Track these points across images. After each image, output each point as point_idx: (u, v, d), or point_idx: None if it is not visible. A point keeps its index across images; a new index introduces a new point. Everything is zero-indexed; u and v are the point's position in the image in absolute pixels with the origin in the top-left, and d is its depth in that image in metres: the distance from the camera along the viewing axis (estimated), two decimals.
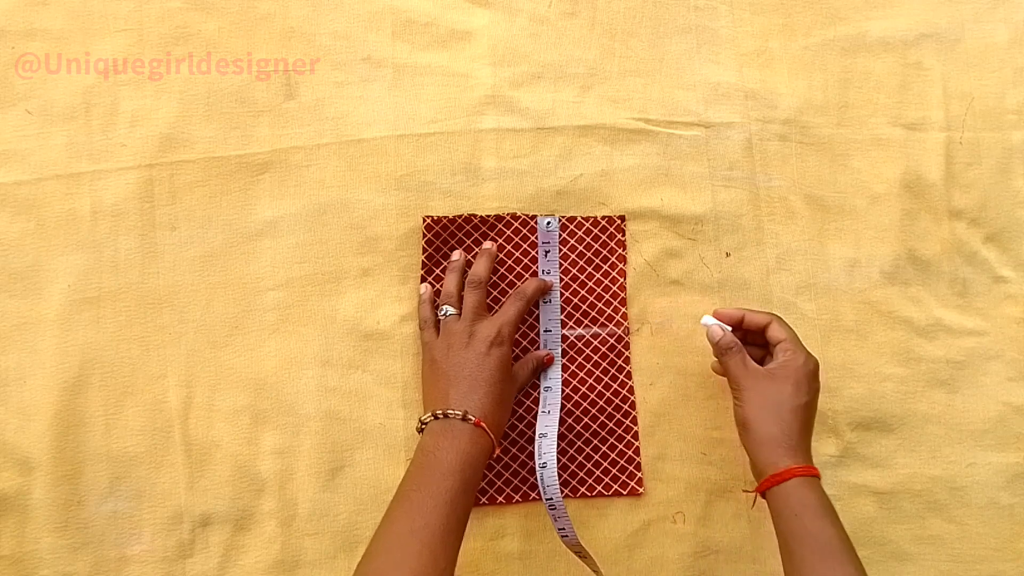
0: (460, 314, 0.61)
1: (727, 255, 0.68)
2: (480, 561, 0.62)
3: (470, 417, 0.55)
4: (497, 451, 0.57)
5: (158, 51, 0.67)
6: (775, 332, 0.59)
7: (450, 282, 0.63)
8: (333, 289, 0.65)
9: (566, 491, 0.64)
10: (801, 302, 0.68)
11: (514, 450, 0.64)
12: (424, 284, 0.64)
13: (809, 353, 0.59)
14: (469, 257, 0.65)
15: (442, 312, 0.62)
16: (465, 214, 0.66)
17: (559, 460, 0.64)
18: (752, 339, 0.61)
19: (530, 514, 0.63)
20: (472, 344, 0.59)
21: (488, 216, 0.66)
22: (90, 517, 0.60)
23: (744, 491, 0.64)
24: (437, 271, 0.65)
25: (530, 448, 0.64)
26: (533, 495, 0.63)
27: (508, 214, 0.67)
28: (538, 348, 0.65)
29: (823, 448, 0.66)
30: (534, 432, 0.63)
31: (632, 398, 0.65)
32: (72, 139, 0.65)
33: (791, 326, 0.60)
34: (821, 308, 0.68)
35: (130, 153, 0.65)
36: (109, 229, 0.64)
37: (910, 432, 0.67)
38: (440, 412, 0.56)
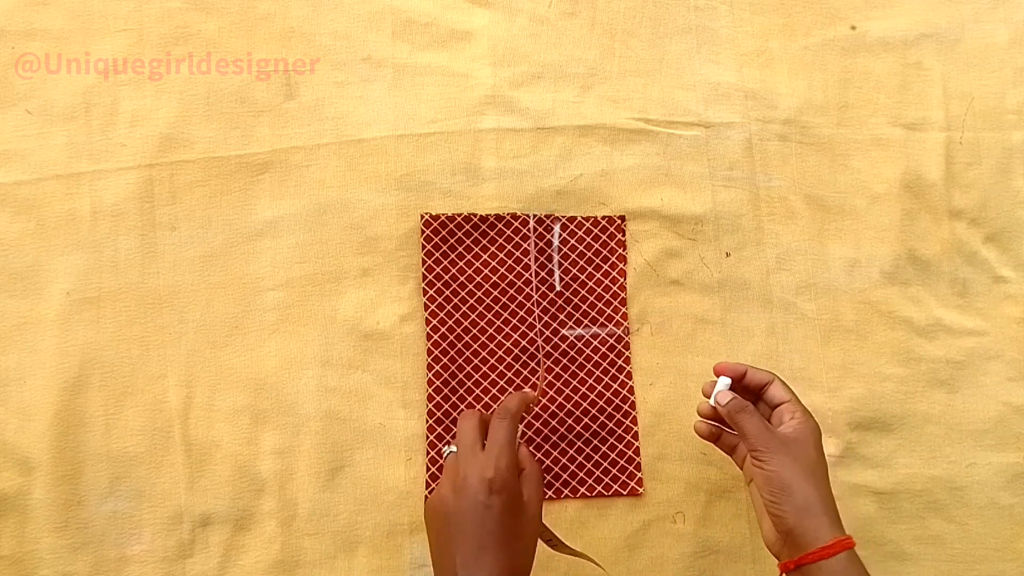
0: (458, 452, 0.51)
1: (727, 255, 0.68)
2: None
3: None
4: None
5: (158, 51, 0.67)
6: (779, 392, 0.56)
7: (464, 425, 0.53)
8: (333, 289, 0.65)
9: (566, 491, 0.64)
10: (801, 302, 0.68)
11: None
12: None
13: (814, 419, 0.56)
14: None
15: (446, 452, 0.53)
16: (464, 213, 0.66)
17: (559, 460, 0.64)
18: (740, 393, 0.57)
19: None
20: (470, 492, 0.48)
21: (488, 215, 0.66)
22: (90, 517, 0.60)
23: (781, 565, 0.56)
24: (438, 269, 0.65)
25: (530, 448, 0.64)
26: None
27: (508, 214, 0.67)
28: (533, 354, 0.65)
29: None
30: (535, 431, 0.64)
31: (632, 398, 0.65)
32: (72, 139, 0.65)
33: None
34: (821, 308, 0.68)
35: (130, 153, 0.65)
36: (109, 229, 0.64)
37: (910, 432, 0.67)
38: None
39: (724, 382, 0.57)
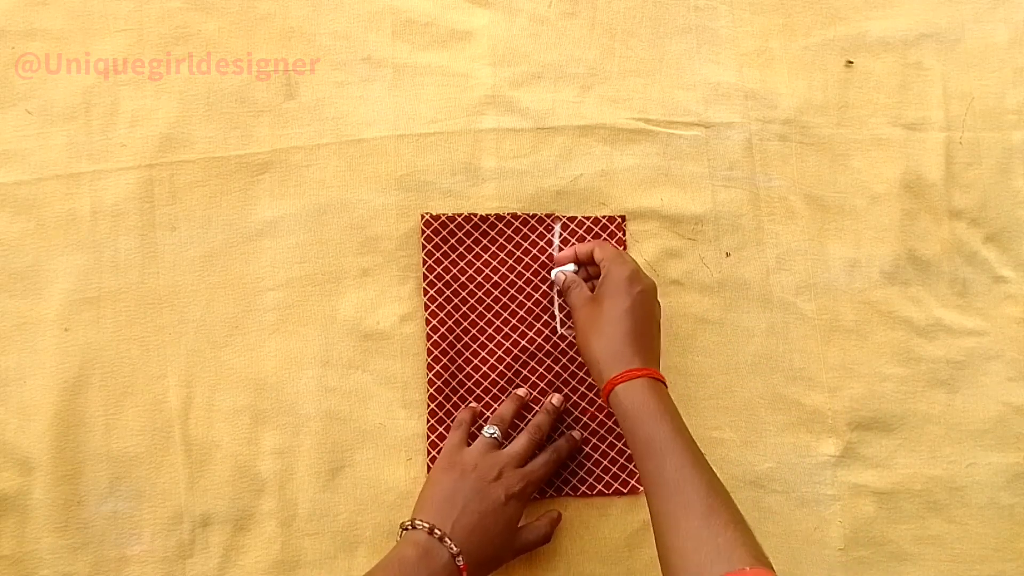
0: (501, 443, 0.60)
1: (727, 255, 0.68)
2: None
3: (459, 562, 0.53)
4: None
5: (158, 51, 0.67)
6: (597, 254, 0.61)
7: (508, 408, 0.62)
8: (333, 289, 0.65)
9: (566, 490, 0.64)
10: (801, 302, 0.68)
11: None
12: (526, 389, 0.64)
13: (626, 261, 0.60)
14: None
15: (489, 431, 0.60)
16: (465, 213, 0.66)
17: None
18: (597, 272, 0.63)
19: (530, 514, 0.63)
20: (498, 484, 0.56)
21: (488, 215, 0.66)
22: (90, 517, 0.60)
23: (595, 408, 0.65)
24: (438, 269, 0.65)
25: None
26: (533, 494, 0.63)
27: (508, 214, 0.67)
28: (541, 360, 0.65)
29: (823, 448, 0.66)
30: None
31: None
32: (72, 139, 0.65)
33: (619, 247, 0.63)
34: (821, 308, 0.68)
35: (130, 153, 0.65)
36: (109, 229, 0.64)
37: (910, 432, 0.67)
38: (438, 532, 0.53)
39: (555, 271, 0.64)
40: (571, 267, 0.64)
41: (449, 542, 0.53)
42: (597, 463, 0.64)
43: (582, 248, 0.64)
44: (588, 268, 0.65)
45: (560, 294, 0.65)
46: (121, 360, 0.62)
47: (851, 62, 0.72)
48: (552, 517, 0.61)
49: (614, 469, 0.64)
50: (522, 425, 0.63)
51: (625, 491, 0.64)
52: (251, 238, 0.65)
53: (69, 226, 0.64)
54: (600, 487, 0.64)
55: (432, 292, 0.65)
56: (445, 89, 0.68)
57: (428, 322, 0.65)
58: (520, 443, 0.60)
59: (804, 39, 0.72)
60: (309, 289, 0.65)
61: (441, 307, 0.65)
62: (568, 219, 0.67)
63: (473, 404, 0.63)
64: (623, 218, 0.68)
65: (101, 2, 0.67)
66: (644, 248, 0.68)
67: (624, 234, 0.68)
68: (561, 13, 0.70)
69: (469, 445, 0.60)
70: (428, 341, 0.64)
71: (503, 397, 0.64)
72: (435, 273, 0.65)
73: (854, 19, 0.73)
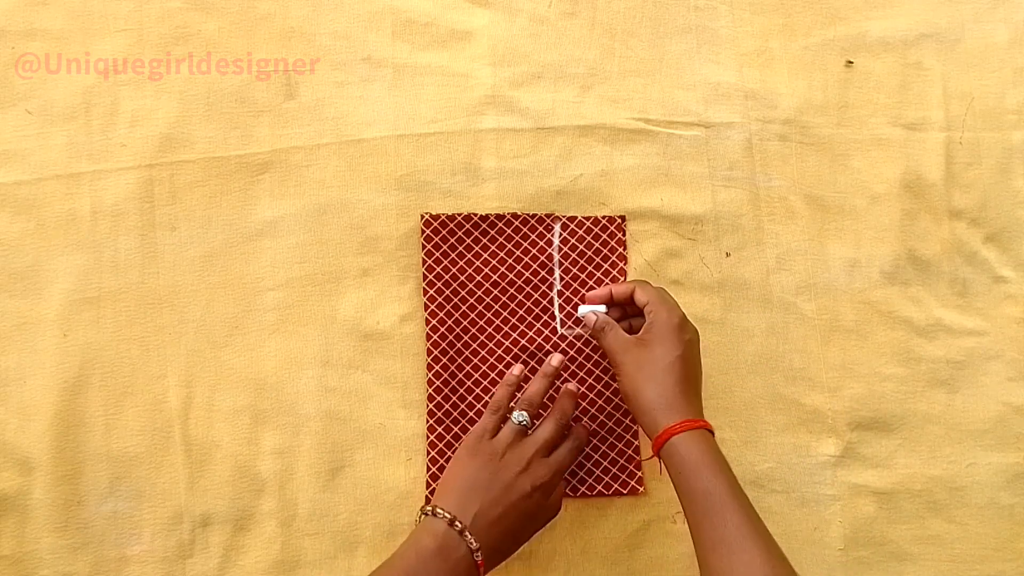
0: (530, 429, 0.59)
1: (727, 255, 0.68)
2: None
3: (478, 557, 0.52)
4: None
5: (158, 51, 0.67)
6: (640, 296, 0.60)
7: (537, 391, 0.60)
8: (333, 289, 0.65)
9: (566, 490, 0.63)
10: (801, 302, 0.68)
11: None
12: (520, 367, 0.63)
13: (673, 306, 0.59)
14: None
15: (518, 418, 0.58)
16: (465, 212, 0.66)
17: None
18: (634, 312, 0.62)
19: None
20: (525, 475, 0.55)
21: (488, 215, 0.66)
22: (90, 517, 0.60)
23: (642, 460, 0.64)
24: (438, 269, 0.65)
25: None
26: None
27: (508, 214, 0.67)
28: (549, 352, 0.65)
29: (823, 448, 0.66)
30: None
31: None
32: (72, 139, 0.65)
33: (663, 288, 0.61)
34: (821, 308, 0.68)
35: (130, 153, 0.65)
36: (109, 229, 0.64)
37: (910, 432, 0.67)
38: (459, 524, 0.52)
39: (584, 308, 0.63)
40: (601, 308, 0.62)
41: (469, 536, 0.52)
42: (597, 463, 0.64)
43: (620, 289, 0.62)
44: (626, 307, 0.63)
45: (592, 335, 0.62)
46: (121, 360, 0.62)
47: (851, 62, 0.72)
48: (560, 488, 0.60)
49: (614, 470, 0.64)
50: (545, 414, 0.61)
51: (625, 491, 0.64)
52: (251, 238, 0.65)
53: (69, 226, 0.64)
54: (600, 487, 0.64)
55: (432, 292, 0.65)
56: (445, 89, 0.68)
57: (428, 322, 0.65)
58: (547, 431, 0.58)
59: (804, 39, 0.72)
60: (309, 289, 0.65)
61: (441, 307, 0.65)
62: (568, 219, 0.67)
63: (510, 383, 0.61)
64: (623, 218, 0.68)
65: (101, 2, 0.67)
66: (644, 248, 0.68)
67: (624, 234, 0.68)
68: (561, 13, 0.70)
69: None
70: (428, 341, 0.64)
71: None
72: (435, 273, 0.65)
73: (854, 19, 0.73)
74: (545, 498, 0.56)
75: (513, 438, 0.57)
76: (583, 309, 0.63)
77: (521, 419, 0.58)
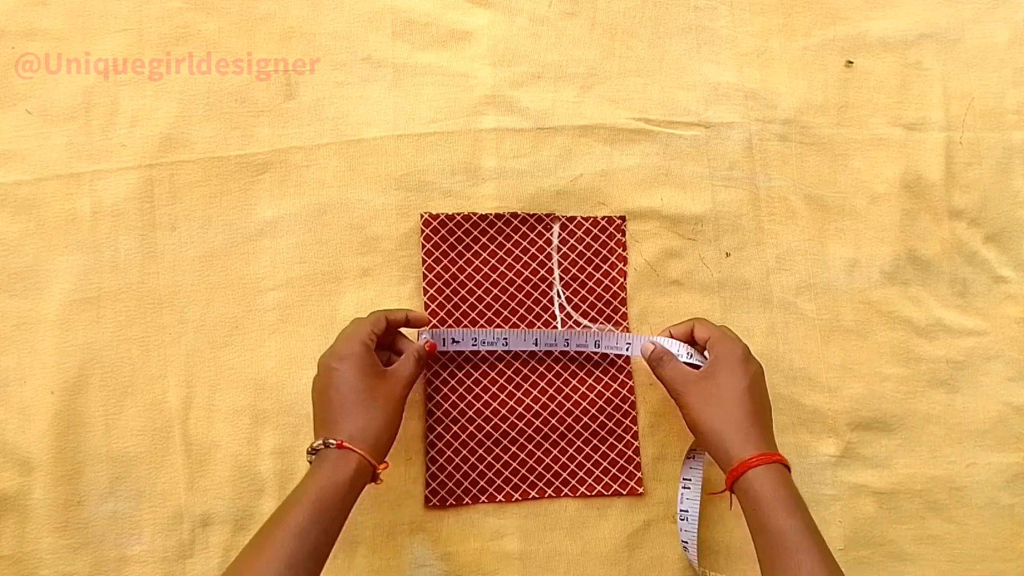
0: None
1: (727, 255, 0.68)
2: (480, 561, 0.62)
3: (331, 441, 0.52)
4: (382, 468, 0.53)
5: (158, 51, 0.67)
6: (700, 332, 0.59)
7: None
8: (333, 289, 0.65)
9: (565, 490, 0.64)
10: (801, 302, 0.68)
11: (514, 448, 0.64)
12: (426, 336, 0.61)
13: (736, 339, 0.58)
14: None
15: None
16: (465, 212, 0.66)
17: (559, 460, 0.64)
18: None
19: (530, 514, 0.63)
20: (324, 365, 0.56)
21: (487, 215, 0.66)
22: (90, 517, 0.60)
23: (710, 493, 0.63)
24: (438, 268, 0.65)
25: (530, 447, 0.64)
26: (533, 493, 0.63)
27: (508, 213, 0.67)
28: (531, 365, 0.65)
29: (823, 448, 0.66)
30: (534, 430, 0.64)
31: (632, 398, 0.65)
32: (72, 139, 0.65)
33: (725, 326, 0.60)
34: (821, 308, 0.68)
35: (130, 153, 0.65)
36: (109, 229, 0.64)
37: (910, 432, 0.67)
38: (310, 449, 0.53)
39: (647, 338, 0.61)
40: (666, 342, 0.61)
41: (317, 441, 0.52)
42: (597, 464, 0.64)
43: (678, 329, 0.61)
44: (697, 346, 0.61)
45: (649, 364, 0.60)
46: (121, 360, 0.62)
47: (851, 62, 0.72)
48: (416, 349, 0.59)
49: (614, 470, 0.64)
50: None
51: (624, 492, 0.64)
52: (251, 238, 0.65)
53: (69, 226, 0.64)
54: (600, 488, 0.64)
55: (432, 292, 0.65)
56: (445, 89, 0.68)
57: (428, 321, 0.65)
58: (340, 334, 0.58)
59: (804, 39, 0.72)
60: (309, 289, 0.65)
61: (441, 306, 0.65)
62: (568, 219, 0.67)
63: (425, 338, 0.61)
64: (623, 218, 0.68)
65: (101, 2, 0.67)
66: (644, 248, 0.68)
67: (624, 234, 0.68)
68: (561, 13, 0.70)
69: None
70: None
71: (502, 396, 0.64)
72: (435, 273, 0.65)
73: (854, 19, 0.73)
74: (350, 365, 0.55)
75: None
76: (644, 340, 0.61)
77: None
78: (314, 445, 0.53)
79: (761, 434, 0.54)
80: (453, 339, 0.62)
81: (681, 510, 0.62)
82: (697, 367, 0.59)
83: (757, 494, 0.52)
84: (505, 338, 0.63)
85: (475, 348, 0.64)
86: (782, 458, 0.53)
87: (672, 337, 0.61)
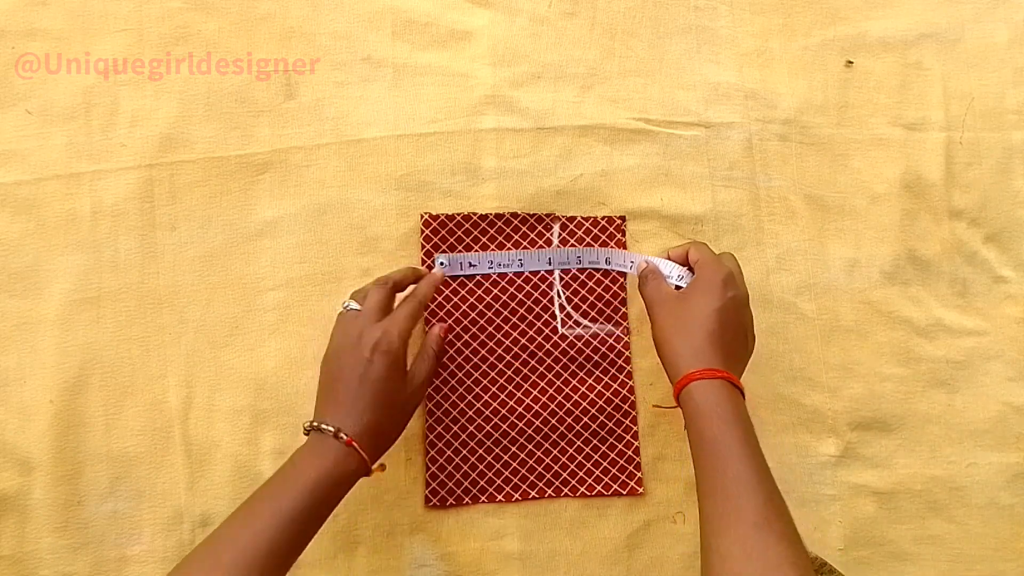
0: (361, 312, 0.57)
1: None
2: (480, 561, 0.62)
3: (343, 435, 0.51)
4: (376, 469, 0.54)
5: (158, 51, 0.67)
6: (693, 255, 0.60)
7: (372, 282, 0.59)
8: (333, 289, 0.65)
9: (565, 490, 0.64)
10: (801, 302, 0.68)
11: (514, 448, 0.64)
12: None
13: (721, 264, 0.58)
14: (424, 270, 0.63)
15: (344, 305, 0.57)
16: (465, 212, 0.66)
17: (559, 459, 0.64)
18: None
19: (530, 514, 0.63)
20: (358, 348, 0.54)
21: (487, 214, 0.66)
22: (90, 517, 0.60)
23: (655, 406, 0.63)
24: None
25: (530, 447, 0.64)
26: (533, 493, 0.63)
27: (508, 213, 0.67)
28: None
29: (823, 448, 0.66)
30: (534, 430, 0.64)
31: (632, 398, 0.65)
32: (72, 139, 0.65)
33: (728, 253, 0.61)
34: (821, 308, 0.68)
35: (130, 153, 0.65)
36: (109, 229, 0.64)
37: (910, 432, 0.67)
38: (316, 423, 0.52)
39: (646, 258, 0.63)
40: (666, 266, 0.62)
41: (327, 426, 0.52)
42: (597, 464, 0.64)
43: (676, 251, 0.61)
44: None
45: (639, 284, 0.61)
46: (121, 360, 0.62)
47: (851, 62, 0.72)
48: (433, 337, 0.61)
49: (613, 470, 0.64)
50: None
51: (624, 492, 0.64)
52: (251, 238, 0.65)
53: (69, 226, 0.64)
54: (600, 488, 0.64)
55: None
56: (445, 89, 0.68)
57: (428, 322, 0.65)
58: (371, 299, 0.56)
59: (804, 39, 0.72)
60: (309, 289, 0.65)
61: (440, 306, 0.65)
62: (568, 219, 0.67)
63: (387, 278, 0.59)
64: (623, 218, 0.68)
65: (101, 2, 0.67)
66: (644, 248, 0.68)
67: (624, 234, 0.68)
68: (561, 13, 0.70)
69: None
70: None
71: (502, 396, 0.64)
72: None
73: (854, 19, 0.73)
74: (388, 358, 0.54)
75: (343, 327, 0.56)
76: (638, 258, 0.63)
77: (347, 305, 0.57)
78: (322, 426, 0.52)
79: (718, 353, 0.54)
80: (470, 263, 0.64)
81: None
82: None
83: (696, 405, 0.51)
84: (520, 259, 0.65)
85: (491, 271, 0.65)
86: (733, 377, 0.53)
87: (669, 256, 0.62)
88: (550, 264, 0.65)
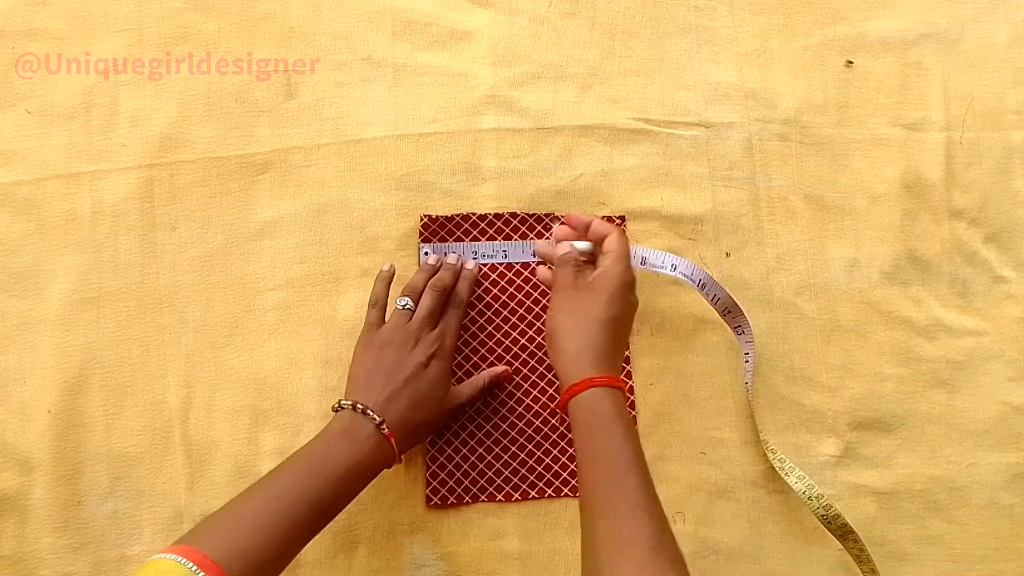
0: (414, 313, 0.60)
1: (727, 255, 0.68)
2: (480, 561, 0.62)
3: (384, 429, 0.54)
4: (395, 465, 0.56)
5: (158, 51, 0.67)
6: (608, 244, 0.58)
7: (419, 278, 0.62)
8: (333, 289, 0.65)
9: (566, 490, 0.64)
10: (801, 302, 0.68)
11: (514, 448, 0.64)
12: (390, 263, 0.64)
13: (629, 267, 0.58)
14: (445, 260, 0.65)
15: (400, 303, 0.60)
16: (464, 212, 0.66)
17: (559, 459, 0.64)
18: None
19: (530, 514, 0.63)
20: (416, 350, 0.58)
21: (487, 214, 0.66)
22: (90, 517, 0.60)
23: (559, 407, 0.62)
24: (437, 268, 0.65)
25: (529, 446, 0.64)
26: (533, 493, 0.63)
27: (507, 213, 0.67)
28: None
29: (823, 448, 0.66)
30: (534, 430, 0.64)
31: (632, 398, 0.65)
32: (72, 139, 0.65)
33: (624, 238, 0.59)
34: (821, 308, 0.68)
35: (130, 153, 0.65)
36: (109, 229, 0.64)
37: (910, 432, 0.67)
38: (360, 406, 0.54)
39: (565, 231, 0.62)
40: (582, 245, 0.60)
41: (372, 413, 0.54)
42: None
43: (599, 227, 0.59)
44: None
45: (557, 262, 0.60)
46: (121, 360, 0.62)
47: (851, 62, 0.72)
48: (493, 372, 0.63)
49: None
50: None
51: None
52: (251, 238, 0.65)
53: (69, 226, 0.64)
54: None
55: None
56: (445, 89, 0.68)
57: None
58: (426, 304, 0.60)
59: (804, 39, 0.72)
60: (309, 289, 0.65)
61: None
62: None
63: (383, 278, 0.63)
64: (623, 218, 0.68)
65: (101, 2, 0.67)
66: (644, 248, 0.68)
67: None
68: (561, 13, 0.70)
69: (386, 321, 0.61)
70: None
71: (502, 396, 0.64)
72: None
73: (854, 19, 0.73)
74: (443, 365, 0.58)
75: (399, 322, 0.59)
76: (556, 229, 0.63)
77: (404, 303, 0.60)
78: (368, 411, 0.54)
79: (612, 362, 0.55)
80: (455, 254, 0.65)
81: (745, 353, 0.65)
82: (589, 253, 0.59)
83: (596, 415, 0.51)
84: (504, 250, 0.66)
85: (474, 260, 0.65)
86: (621, 383, 0.54)
87: (591, 229, 0.59)
88: (535, 257, 0.65)
